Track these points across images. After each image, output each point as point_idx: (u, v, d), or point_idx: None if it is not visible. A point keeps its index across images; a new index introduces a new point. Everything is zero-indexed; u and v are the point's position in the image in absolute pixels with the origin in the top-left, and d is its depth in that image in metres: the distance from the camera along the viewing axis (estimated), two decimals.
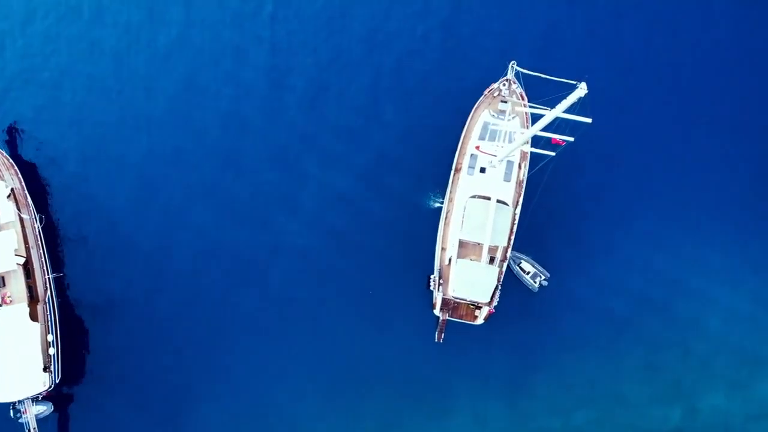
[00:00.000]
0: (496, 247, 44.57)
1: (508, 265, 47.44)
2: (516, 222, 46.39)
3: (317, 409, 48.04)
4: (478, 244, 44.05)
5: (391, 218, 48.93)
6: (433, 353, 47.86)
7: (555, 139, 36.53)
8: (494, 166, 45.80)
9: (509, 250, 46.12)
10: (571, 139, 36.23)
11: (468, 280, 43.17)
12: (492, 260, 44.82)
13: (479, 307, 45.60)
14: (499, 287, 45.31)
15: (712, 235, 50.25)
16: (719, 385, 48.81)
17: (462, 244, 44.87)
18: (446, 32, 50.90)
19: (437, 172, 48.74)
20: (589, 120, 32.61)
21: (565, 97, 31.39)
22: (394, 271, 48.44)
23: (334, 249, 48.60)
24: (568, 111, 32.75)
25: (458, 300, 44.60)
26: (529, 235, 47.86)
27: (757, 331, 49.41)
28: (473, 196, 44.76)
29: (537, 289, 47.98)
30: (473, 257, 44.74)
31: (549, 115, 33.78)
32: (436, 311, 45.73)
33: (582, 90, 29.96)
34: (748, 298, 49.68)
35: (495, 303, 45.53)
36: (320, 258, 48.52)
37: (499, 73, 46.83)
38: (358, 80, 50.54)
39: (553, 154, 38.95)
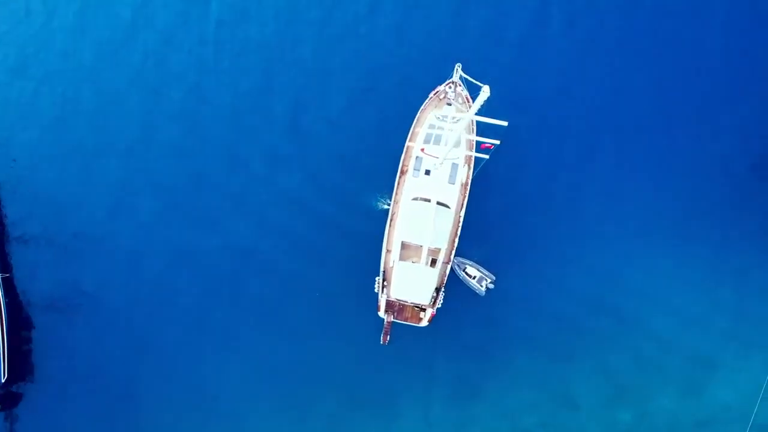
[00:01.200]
0: (438, 250, 44.61)
1: (454, 272, 47.59)
2: (460, 225, 46.43)
3: (265, 412, 48.17)
4: (420, 246, 44.09)
5: (338, 220, 49.03)
6: (379, 356, 47.80)
7: (483, 143, 36.60)
8: (437, 169, 45.84)
9: (453, 252, 46.16)
10: (497, 142, 36.23)
11: (408, 282, 43.19)
12: (434, 262, 44.83)
13: (424, 310, 45.63)
14: (443, 290, 45.43)
15: (664, 236, 49.93)
16: (670, 389, 48.45)
17: (404, 246, 44.93)
18: (394, 33, 51.00)
19: (386, 173, 48.78)
20: (504, 123, 32.63)
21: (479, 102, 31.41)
22: (342, 273, 48.49)
23: (281, 251, 48.76)
24: (486, 115, 32.78)
25: (401, 302, 44.62)
26: (473, 239, 48.02)
27: (709, 334, 48.92)
28: (415, 198, 44.81)
29: (484, 293, 47.91)
30: (415, 259, 44.78)
31: (465, 117, 33.95)
32: (381, 313, 45.74)
33: (485, 93, 30.12)
34: (701, 301, 49.25)
35: (438, 305, 45.68)
36: (267, 259, 48.68)
37: (447, 75, 47.14)
38: (306, 81, 50.75)
39: (486, 156, 38.97)
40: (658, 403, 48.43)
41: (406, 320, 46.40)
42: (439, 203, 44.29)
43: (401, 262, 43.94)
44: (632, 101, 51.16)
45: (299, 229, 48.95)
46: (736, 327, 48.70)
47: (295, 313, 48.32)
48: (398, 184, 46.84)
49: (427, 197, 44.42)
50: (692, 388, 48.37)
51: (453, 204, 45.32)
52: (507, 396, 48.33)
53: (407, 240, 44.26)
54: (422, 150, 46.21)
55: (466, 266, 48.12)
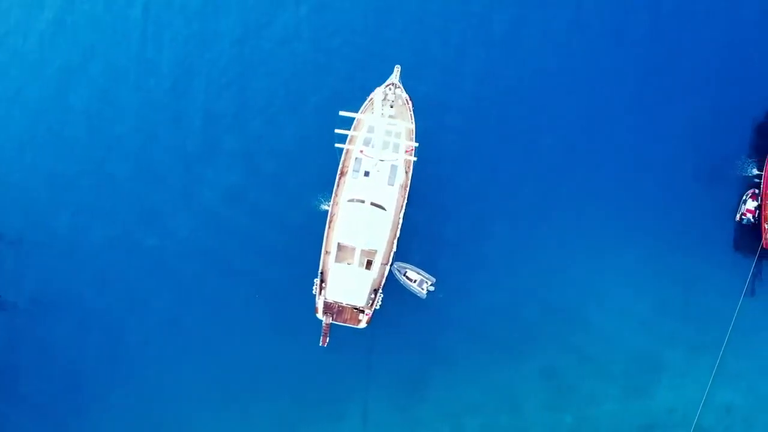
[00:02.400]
0: (374, 251, 44.52)
1: (394, 276, 47.49)
2: (399, 226, 46.39)
3: (208, 412, 47.89)
4: (356, 247, 44.01)
5: (280, 221, 49.07)
6: (320, 357, 47.54)
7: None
8: (378, 170, 45.81)
9: (392, 254, 46.07)
10: (416, 144, 36.24)
11: (343, 284, 43.14)
12: (369, 264, 44.71)
13: (363, 311, 45.49)
14: (381, 291, 45.34)
15: (610, 237, 49.88)
16: (614, 391, 48.24)
17: (341, 248, 44.87)
18: (336, 34, 51.12)
19: (329, 174, 48.67)
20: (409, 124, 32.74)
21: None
22: (283, 274, 48.37)
23: (220, 253, 48.75)
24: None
25: (337, 304, 44.47)
26: (414, 241, 48.06)
27: (654, 337, 48.77)
28: (351, 200, 44.77)
29: (425, 295, 47.77)
30: (351, 261, 44.66)
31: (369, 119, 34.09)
32: (319, 315, 45.59)
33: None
34: (648, 302, 49.04)
35: (377, 306, 45.58)
36: (207, 261, 48.62)
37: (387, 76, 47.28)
38: (251, 79, 50.83)
39: (414, 158, 38.96)
40: (601, 406, 48.22)
41: (345, 322, 46.23)
42: (374, 204, 44.27)
43: (337, 263, 43.86)
44: (574, 100, 51.28)
45: (240, 230, 48.95)
46: (682, 329, 48.48)
47: (236, 314, 48.22)
48: (338, 185, 46.82)
49: (362, 198, 44.39)
50: (636, 390, 48.15)
51: (390, 206, 45.26)
52: (450, 398, 48.09)
53: (343, 241, 44.20)
54: (361, 151, 46.24)
55: (407, 270, 47.96)
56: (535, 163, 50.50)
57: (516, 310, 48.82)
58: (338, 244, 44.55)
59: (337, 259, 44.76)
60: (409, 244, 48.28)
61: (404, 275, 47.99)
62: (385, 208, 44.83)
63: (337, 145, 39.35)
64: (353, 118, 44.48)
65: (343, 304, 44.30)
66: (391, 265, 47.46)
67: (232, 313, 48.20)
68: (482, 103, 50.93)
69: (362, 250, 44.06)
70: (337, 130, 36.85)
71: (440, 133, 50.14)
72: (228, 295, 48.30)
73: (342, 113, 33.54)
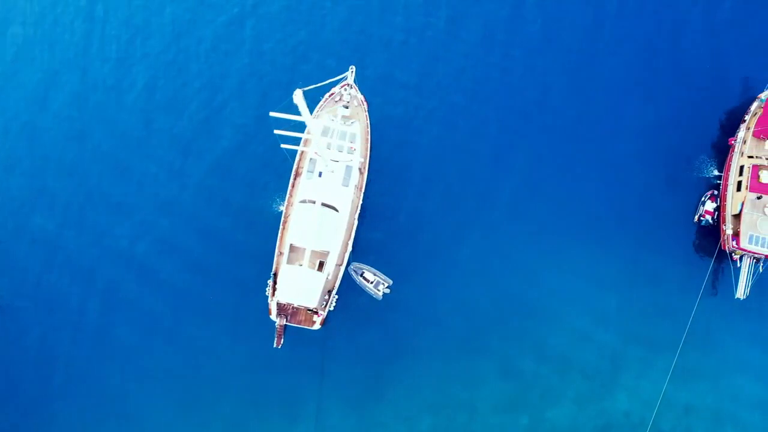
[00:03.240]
0: (326, 252, 44.33)
1: (351, 277, 47.28)
2: (355, 228, 46.18)
3: (166, 414, 47.77)
4: (306, 248, 43.79)
5: (236, 222, 48.86)
6: (275, 359, 47.48)
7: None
8: (332, 171, 45.57)
9: (347, 255, 45.87)
10: (354, 147, 35.81)
11: (293, 285, 42.82)
12: (321, 265, 44.53)
13: (316, 313, 45.33)
14: (335, 293, 45.17)
15: (572, 237, 49.56)
16: (571, 393, 48.10)
17: (293, 249, 44.64)
18: (292, 34, 50.77)
19: (287, 176, 48.51)
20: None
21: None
22: (238, 275, 48.19)
23: (176, 255, 48.57)
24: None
25: (289, 305, 44.30)
26: (371, 243, 47.90)
27: (613, 338, 48.54)
28: (303, 201, 44.54)
29: (381, 297, 47.61)
30: (303, 262, 44.45)
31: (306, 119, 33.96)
32: (273, 317, 45.41)
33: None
34: (607, 304, 48.78)
35: (331, 308, 45.44)
36: (163, 262, 48.50)
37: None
38: (209, 83, 50.56)
39: (361, 160, 38.55)
40: (558, 408, 48.11)
41: (299, 323, 46.06)
42: (325, 205, 44.04)
43: (287, 265, 43.65)
44: (535, 103, 50.96)
45: (196, 231, 48.71)
46: (641, 330, 48.23)
47: (191, 316, 48.03)
48: (292, 186, 46.59)
49: (313, 199, 44.15)
50: (594, 392, 47.97)
51: (343, 206, 45.05)
52: (406, 399, 47.94)
53: (295, 242, 43.99)
54: (315, 152, 45.94)
55: (364, 271, 47.81)
56: (496, 163, 50.19)
57: (474, 310, 48.58)
58: (290, 245, 44.37)
59: (290, 261, 44.53)
60: (368, 246, 48.29)
61: (361, 276, 47.83)
62: (338, 208, 44.62)
63: (283, 146, 38.94)
64: (310, 117, 44.14)
65: (295, 306, 44.18)
66: (348, 266, 47.40)
67: (187, 315, 48.00)
68: (440, 104, 50.58)
69: (314, 252, 43.94)
70: (276, 131, 36.44)
71: (397, 132, 49.94)
72: (183, 296, 48.10)
73: (272, 114, 33.11)
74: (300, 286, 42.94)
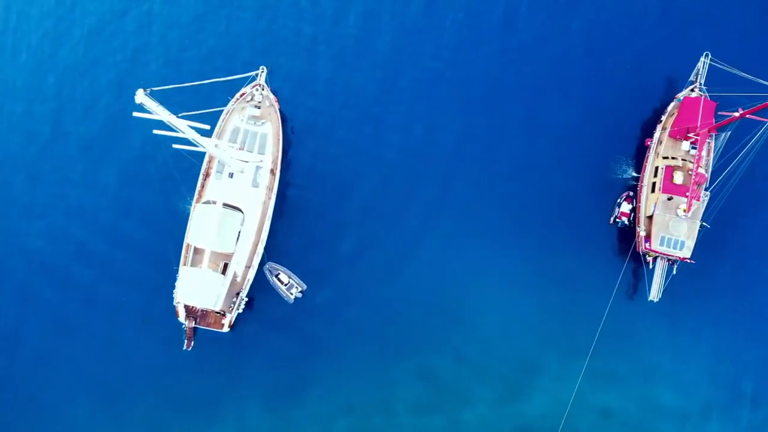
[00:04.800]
0: (230, 254, 43.97)
1: (265, 276, 46.99)
2: (266, 229, 45.83)
3: (83, 421, 47.29)
4: (214, 250, 43.46)
5: (146, 224, 48.25)
6: (187, 362, 47.02)
7: None
8: (242, 171, 45.23)
9: (257, 257, 45.51)
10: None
11: (192, 287, 42.47)
12: (225, 266, 44.19)
13: (225, 315, 44.99)
14: (244, 296, 44.84)
15: (486, 240, 49.19)
16: (488, 395, 47.81)
17: (197, 251, 44.27)
18: (203, 35, 50.43)
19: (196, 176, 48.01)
20: (206, 126, 32.31)
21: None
22: (150, 277, 47.54)
23: (85, 256, 48.11)
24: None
25: (191, 307, 44.01)
26: (288, 247, 47.65)
27: (530, 340, 48.16)
28: (206, 202, 44.21)
29: (292, 300, 47.28)
30: (209, 264, 44.05)
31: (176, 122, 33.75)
32: (181, 319, 45.08)
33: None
34: (524, 306, 48.41)
35: (239, 310, 45.12)
36: (74, 264, 48.05)
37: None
38: (118, 78, 50.26)
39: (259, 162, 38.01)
40: (474, 408, 47.84)
41: (209, 326, 45.66)
42: (227, 206, 43.68)
43: (185, 267, 43.28)
44: (453, 105, 50.55)
45: (106, 233, 48.21)
46: (556, 331, 47.87)
47: (101, 319, 47.42)
48: (202, 186, 46.13)
49: (214, 200, 43.84)
50: (510, 392, 47.72)
51: (249, 207, 44.64)
52: (322, 401, 47.58)
53: (195, 244, 43.57)
54: (238, 150, 45.53)
55: (279, 272, 47.43)
56: (414, 168, 49.78)
57: (392, 314, 48.22)
58: (194, 247, 44.02)
59: (194, 262, 44.20)
60: (287, 248, 47.89)
61: (276, 277, 47.49)
62: (243, 209, 44.25)
63: (175, 146, 38.40)
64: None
65: (195, 307, 43.84)
66: (264, 265, 47.06)
67: (96, 318, 47.42)
68: (356, 105, 50.17)
69: (216, 253, 43.51)
70: (156, 131, 36.01)
71: (315, 135, 49.73)
72: (92, 299, 47.56)
73: (136, 114, 32.71)
74: (199, 287, 42.46)
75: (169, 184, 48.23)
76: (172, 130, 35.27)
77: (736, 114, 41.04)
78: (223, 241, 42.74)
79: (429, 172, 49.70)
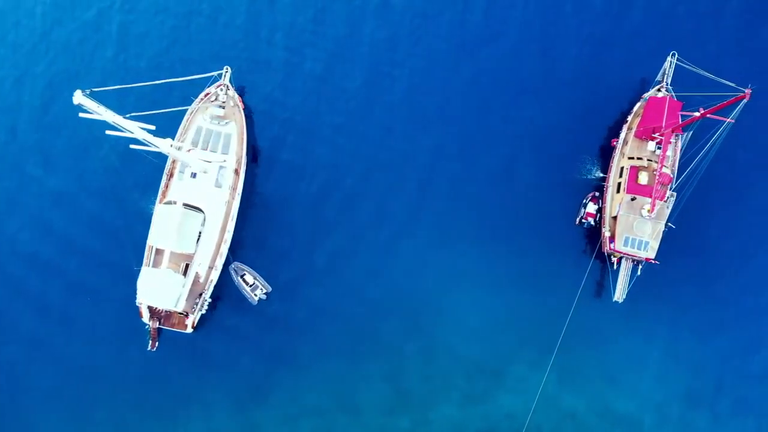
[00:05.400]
0: (191, 255, 43.86)
1: (231, 275, 46.92)
2: (229, 230, 45.74)
3: (53, 422, 47.15)
4: (177, 251, 43.38)
5: (112, 222, 48.13)
6: (153, 363, 46.88)
7: None
8: (205, 171, 45.14)
9: (221, 257, 45.43)
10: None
11: (153, 288, 42.43)
12: (187, 267, 44.11)
13: (187, 315, 44.92)
14: (207, 297, 44.76)
15: (452, 240, 48.99)
16: (454, 396, 47.69)
17: (159, 251, 44.16)
18: (167, 35, 50.36)
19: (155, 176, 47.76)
20: (152, 126, 32.19)
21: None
22: (113, 278, 47.33)
23: (46, 257, 48.03)
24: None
25: (151, 307, 43.99)
26: (256, 248, 47.65)
27: (497, 341, 47.94)
28: (168, 202, 44.11)
29: (257, 302, 47.19)
30: (171, 265, 44.04)
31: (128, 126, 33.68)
32: (145, 319, 45.03)
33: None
34: (491, 307, 48.25)
35: (203, 311, 45.07)
36: (36, 265, 47.97)
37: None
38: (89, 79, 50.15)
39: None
40: (440, 411, 47.65)
41: (173, 326, 45.64)
42: (188, 206, 43.60)
43: (145, 267, 43.20)
44: (417, 103, 50.33)
45: (69, 234, 48.13)
46: (523, 333, 47.71)
47: (70, 319, 47.34)
48: (166, 186, 46.02)
49: (174, 200, 43.78)
50: (476, 395, 47.54)
51: (212, 208, 44.52)
52: (288, 401, 47.50)
53: (155, 244, 43.50)
54: (189, 151, 45.52)
55: (245, 273, 47.34)
56: (382, 168, 49.59)
57: (359, 313, 48.09)
58: (155, 248, 43.92)
59: (156, 263, 44.10)
60: (254, 250, 47.78)
61: (241, 277, 47.39)
62: (203, 210, 44.17)
63: (132, 146, 38.25)
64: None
65: (155, 307, 43.83)
66: (229, 264, 46.99)
67: (62, 319, 47.33)
68: (324, 106, 50.12)
69: (177, 253, 43.47)
70: (108, 132, 35.83)
71: (280, 134, 49.63)
72: (59, 299, 47.47)
73: (82, 115, 32.53)
74: (159, 288, 42.43)
75: (133, 184, 48.23)
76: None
77: (697, 114, 40.91)
78: (183, 241, 42.65)
79: (397, 173, 49.57)
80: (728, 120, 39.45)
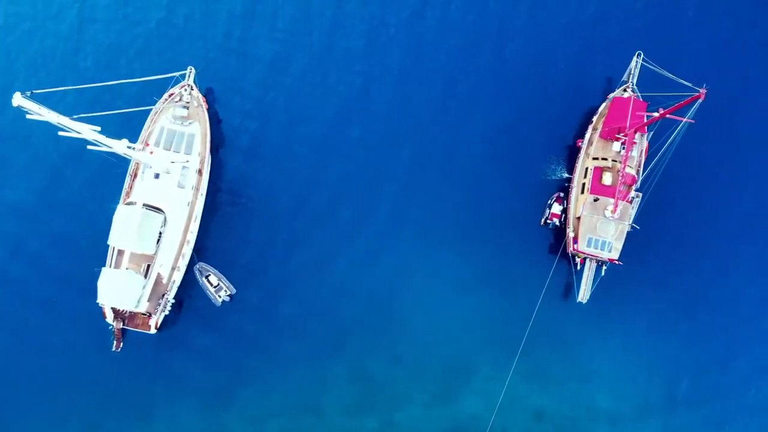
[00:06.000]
0: (151, 255, 43.86)
1: (195, 277, 46.93)
2: (192, 231, 45.71)
3: (17, 423, 47.23)
4: (138, 252, 43.40)
5: (75, 222, 48.03)
6: (116, 363, 46.82)
7: None
8: (168, 172, 45.12)
9: (183, 259, 45.39)
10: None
11: (112, 288, 42.39)
12: (149, 268, 44.12)
13: (150, 316, 44.92)
14: (170, 297, 44.76)
15: (419, 241, 48.95)
16: (420, 397, 47.69)
17: (120, 252, 44.15)
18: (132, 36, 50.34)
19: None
20: (97, 127, 32.12)
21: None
22: (75, 278, 47.08)
23: (14, 254, 47.94)
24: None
25: (115, 308, 44.03)
26: (220, 248, 47.75)
27: (464, 342, 47.94)
28: (129, 203, 44.13)
29: (220, 304, 47.17)
30: (132, 265, 44.08)
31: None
32: (108, 319, 45.02)
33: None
34: (458, 308, 48.21)
35: (165, 312, 45.05)
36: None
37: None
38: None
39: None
40: (406, 411, 47.66)
41: (137, 327, 45.59)
42: (148, 207, 43.62)
43: (105, 268, 43.19)
44: (382, 105, 50.20)
45: (32, 236, 48.04)
46: (490, 333, 47.67)
47: (34, 319, 47.27)
48: (130, 187, 45.92)
49: (134, 201, 43.81)
50: (442, 395, 47.54)
51: (173, 208, 44.45)
52: (254, 402, 47.52)
53: (115, 245, 43.45)
54: (151, 152, 45.49)
55: (210, 273, 47.30)
56: (346, 168, 49.54)
57: (324, 314, 48.09)
58: (117, 249, 43.93)
59: (118, 264, 44.10)
60: (220, 252, 47.75)
61: (206, 278, 47.36)
62: (164, 210, 44.16)
63: (89, 147, 38.29)
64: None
65: (117, 308, 43.85)
66: (194, 265, 47.00)
67: (26, 320, 47.25)
68: (288, 106, 50.03)
69: (138, 254, 43.43)
70: (61, 133, 35.80)
71: (245, 134, 49.64)
72: (23, 300, 47.39)
73: (29, 116, 32.34)
74: (119, 289, 42.41)
75: (98, 185, 48.22)
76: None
77: (656, 114, 40.79)
78: (143, 242, 42.63)
79: (361, 172, 49.50)
80: (684, 120, 39.31)
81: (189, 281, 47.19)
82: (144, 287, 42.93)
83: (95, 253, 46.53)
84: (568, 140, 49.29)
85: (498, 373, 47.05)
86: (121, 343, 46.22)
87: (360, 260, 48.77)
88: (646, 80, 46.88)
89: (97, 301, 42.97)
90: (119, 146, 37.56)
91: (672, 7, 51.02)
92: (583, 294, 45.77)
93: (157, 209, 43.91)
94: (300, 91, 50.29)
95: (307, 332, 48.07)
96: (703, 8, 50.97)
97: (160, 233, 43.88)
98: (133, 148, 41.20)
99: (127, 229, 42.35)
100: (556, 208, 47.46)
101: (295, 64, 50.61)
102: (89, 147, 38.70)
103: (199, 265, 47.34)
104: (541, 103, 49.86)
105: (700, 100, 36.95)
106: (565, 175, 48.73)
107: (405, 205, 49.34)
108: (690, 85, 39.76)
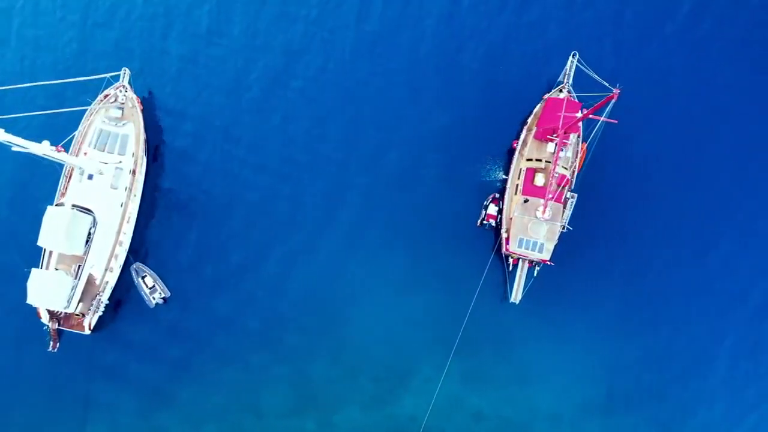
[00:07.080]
0: (81, 256, 44.03)
1: (131, 276, 47.15)
2: (126, 230, 45.87)
3: None
4: (69, 253, 43.61)
5: (9, 223, 48.32)
6: (53, 364, 47.02)
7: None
8: (101, 173, 45.33)
9: (117, 260, 45.57)
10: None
11: (41, 289, 42.59)
12: (79, 269, 44.31)
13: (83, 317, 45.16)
14: (103, 298, 44.94)
15: (359, 242, 49.01)
16: (357, 399, 47.70)
17: (52, 253, 44.36)
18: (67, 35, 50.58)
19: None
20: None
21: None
22: (9, 279, 46.93)
23: None
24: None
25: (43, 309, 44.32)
26: (157, 249, 47.92)
27: (400, 343, 47.94)
28: (58, 204, 44.36)
29: (153, 305, 47.34)
30: (62, 266, 44.29)
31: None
32: (43, 320, 45.22)
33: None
34: (397, 310, 48.22)
35: (99, 312, 45.25)
36: None
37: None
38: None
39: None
40: (344, 413, 47.68)
41: (72, 328, 45.78)
42: (78, 208, 43.81)
43: (35, 269, 43.35)
44: (325, 107, 50.37)
45: None
46: (423, 335, 47.72)
47: None
48: (65, 188, 46.14)
49: (62, 202, 44.03)
50: (380, 396, 47.53)
51: (105, 209, 44.55)
52: (193, 403, 47.57)
53: (44, 246, 43.57)
54: (85, 153, 45.75)
55: (146, 274, 47.48)
56: (285, 169, 49.62)
57: (263, 315, 48.24)
58: (49, 251, 44.19)
59: (48, 265, 44.35)
60: (156, 250, 48.00)
61: (142, 278, 47.54)
62: (94, 211, 44.36)
63: (14, 148, 38.33)
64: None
65: (47, 309, 44.09)
66: (131, 265, 47.21)
67: None
68: (226, 107, 50.25)
69: (68, 255, 43.58)
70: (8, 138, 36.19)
71: (182, 135, 49.82)
72: None
73: None
74: (48, 289, 42.57)
75: (34, 186, 48.45)
76: None
77: (579, 115, 40.78)
78: (72, 243, 42.80)
79: (296, 173, 49.56)
80: (602, 119, 39.34)
81: (126, 282, 47.42)
82: (74, 288, 43.12)
83: (26, 254, 46.95)
84: (505, 141, 49.22)
85: (435, 374, 47.06)
86: (58, 344, 46.42)
87: (296, 261, 48.84)
88: (582, 81, 46.86)
89: (27, 302, 43.23)
90: (36, 148, 37.74)
91: (609, 7, 50.91)
92: (516, 294, 45.76)
93: (87, 210, 44.10)
94: (236, 92, 50.40)
95: (246, 333, 48.15)
96: (640, 11, 50.87)
97: (90, 234, 44.07)
98: (67, 150, 41.47)
99: (55, 230, 42.51)
100: (492, 209, 47.42)
101: (231, 67, 50.75)
102: (14, 149, 38.88)
103: (136, 265, 47.52)
104: (480, 104, 49.82)
105: (613, 100, 36.99)
106: (502, 176, 48.69)
107: (341, 206, 49.39)
108: (606, 84, 39.77)
